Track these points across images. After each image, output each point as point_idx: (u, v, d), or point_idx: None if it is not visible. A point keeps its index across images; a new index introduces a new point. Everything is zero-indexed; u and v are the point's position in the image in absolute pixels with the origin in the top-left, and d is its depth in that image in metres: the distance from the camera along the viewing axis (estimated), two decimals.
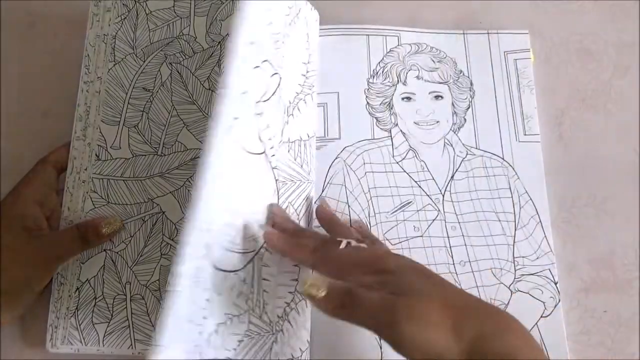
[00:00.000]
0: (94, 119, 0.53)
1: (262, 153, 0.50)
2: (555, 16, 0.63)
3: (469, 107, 0.58)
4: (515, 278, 0.54)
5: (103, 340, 0.49)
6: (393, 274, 0.39)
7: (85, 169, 0.52)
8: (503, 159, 0.57)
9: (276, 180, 0.51)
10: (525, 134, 0.57)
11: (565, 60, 0.61)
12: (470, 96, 0.59)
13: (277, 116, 0.52)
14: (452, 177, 0.56)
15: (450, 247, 0.54)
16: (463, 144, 0.57)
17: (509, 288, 0.53)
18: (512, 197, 0.56)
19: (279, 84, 0.52)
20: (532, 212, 0.55)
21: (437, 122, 0.58)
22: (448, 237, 0.55)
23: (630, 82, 0.60)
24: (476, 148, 0.57)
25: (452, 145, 0.57)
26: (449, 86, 0.59)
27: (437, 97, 0.58)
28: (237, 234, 0.47)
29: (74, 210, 0.51)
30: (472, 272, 0.54)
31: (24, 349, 0.51)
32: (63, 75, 0.57)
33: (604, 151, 0.58)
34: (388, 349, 0.50)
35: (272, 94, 0.52)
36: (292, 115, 0.53)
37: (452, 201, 0.56)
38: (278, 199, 0.51)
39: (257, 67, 0.48)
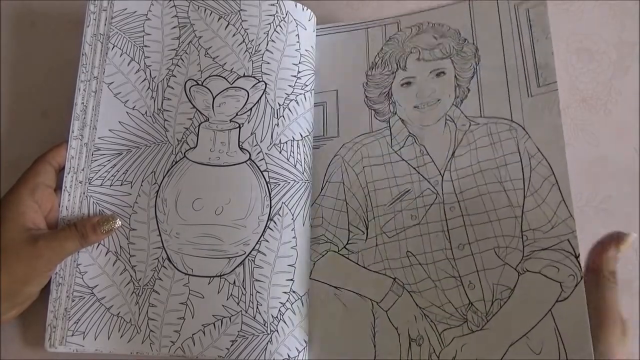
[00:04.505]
0: (90, 119, 0.53)
1: (246, 161, 0.52)
2: (555, 16, 0.62)
3: (473, 76, 0.56)
4: (523, 256, 0.48)
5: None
6: None
7: (83, 169, 0.52)
8: (512, 120, 0.53)
9: (267, 182, 0.51)
10: (538, 86, 0.53)
11: (565, 60, 0.61)
12: (475, 63, 0.56)
13: (263, 121, 0.53)
14: (453, 154, 0.54)
15: (447, 231, 0.51)
16: (466, 116, 0.54)
17: (515, 269, 0.48)
18: (521, 160, 0.51)
19: (264, 90, 0.53)
20: (547, 173, 0.50)
21: (439, 100, 0.56)
22: (446, 220, 0.51)
23: (630, 82, 0.60)
24: (481, 117, 0.54)
25: (453, 121, 0.55)
26: (451, 59, 0.57)
27: (438, 74, 0.56)
28: (220, 241, 0.50)
29: (72, 209, 0.51)
30: (472, 254, 0.49)
31: (23, 348, 0.51)
32: (63, 75, 0.57)
33: (603, 151, 0.58)
34: (382, 349, 0.51)
35: (257, 102, 0.53)
36: (283, 117, 0.53)
37: (451, 180, 0.52)
38: (270, 200, 0.51)
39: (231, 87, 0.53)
